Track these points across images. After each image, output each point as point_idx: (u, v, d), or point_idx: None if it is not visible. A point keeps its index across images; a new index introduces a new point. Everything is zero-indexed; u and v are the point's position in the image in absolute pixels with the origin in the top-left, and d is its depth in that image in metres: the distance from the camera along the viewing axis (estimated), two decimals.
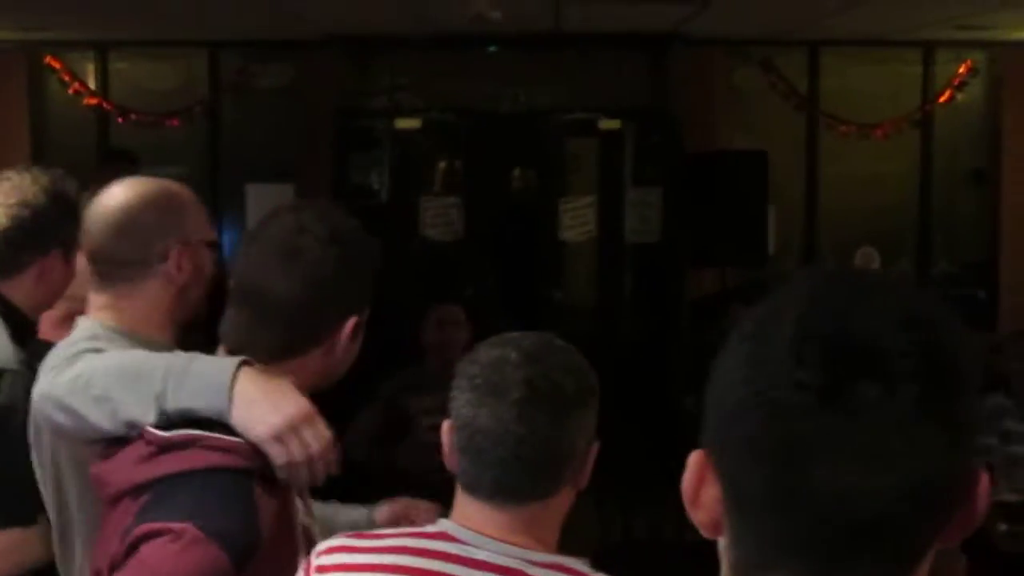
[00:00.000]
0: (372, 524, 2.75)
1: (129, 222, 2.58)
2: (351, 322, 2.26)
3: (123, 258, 2.59)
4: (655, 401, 8.75)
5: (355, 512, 2.81)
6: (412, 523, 2.72)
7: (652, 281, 9.65)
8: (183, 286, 2.62)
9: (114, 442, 2.27)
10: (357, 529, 2.74)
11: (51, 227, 2.97)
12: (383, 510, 2.80)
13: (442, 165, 9.83)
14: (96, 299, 2.63)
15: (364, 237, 2.33)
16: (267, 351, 2.24)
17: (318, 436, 2.16)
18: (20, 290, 3.04)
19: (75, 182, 3.06)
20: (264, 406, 2.14)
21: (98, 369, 2.32)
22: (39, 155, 9.14)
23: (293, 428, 2.13)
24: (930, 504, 1.04)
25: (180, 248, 2.59)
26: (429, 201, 9.40)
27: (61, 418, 2.35)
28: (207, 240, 2.69)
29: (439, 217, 9.29)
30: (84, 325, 2.58)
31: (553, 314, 9.46)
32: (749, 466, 1.05)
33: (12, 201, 3.01)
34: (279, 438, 2.12)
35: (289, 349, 2.25)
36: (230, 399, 2.13)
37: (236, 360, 2.18)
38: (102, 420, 2.25)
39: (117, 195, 2.62)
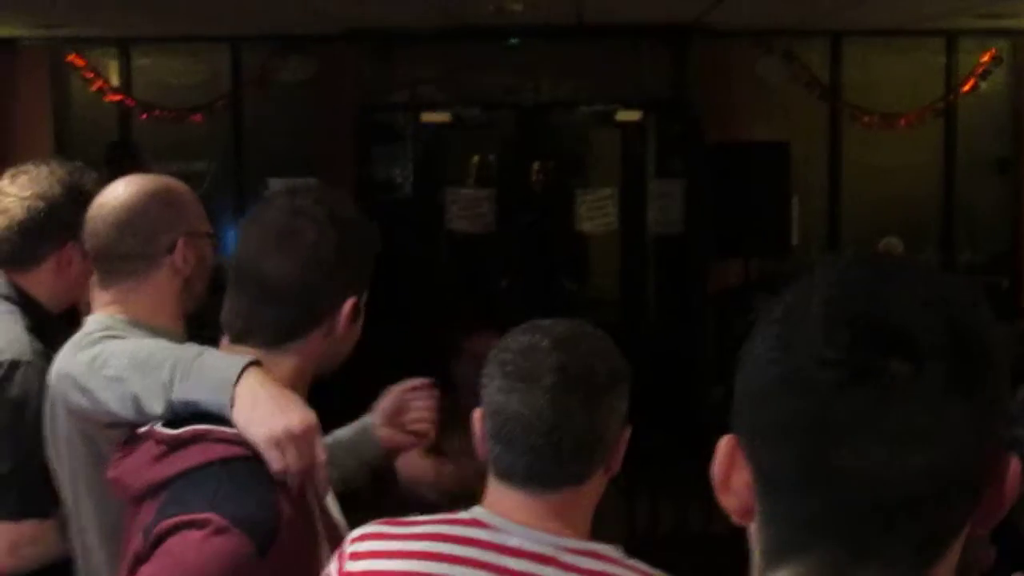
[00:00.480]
0: (373, 429, 2.79)
1: (134, 217, 2.62)
2: (350, 303, 2.25)
3: (129, 252, 2.62)
4: (680, 393, 8.74)
5: (356, 425, 2.83)
6: (410, 411, 2.76)
7: (675, 273, 9.64)
8: (188, 277, 2.65)
9: (127, 442, 2.28)
10: (361, 441, 2.77)
11: (67, 220, 2.97)
12: (378, 412, 2.80)
13: (475, 158, 9.83)
14: (101, 295, 2.65)
15: (361, 219, 2.33)
16: (268, 335, 2.23)
17: (312, 454, 2.16)
18: (38, 283, 3.05)
19: (94, 175, 3.07)
20: (268, 409, 2.13)
21: (115, 352, 2.34)
22: (62, 152, 9.17)
23: (292, 438, 2.12)
24: (959, 483, 1.04)
25: (185, 240, 2.63)
26: (456, 193, 9.40)
27: (77, 397, 2.37)
28: (206, 232, 2.72)
29: (467, 209, 9.30)
30: (96, 319, 2.60)
31: (576, 306, 9.47)
32: (779, 448, 1.06)
33: (27, 193, 3.02)
34: (277, 443, 2.11)
35: (289, 332, 2.24)
36: (232, 396, 2.14)
37: (245, 359, 2.18)
38: (113, 402, 2.27)
39: (119, 192, 2.65)
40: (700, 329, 9.22)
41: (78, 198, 2.94)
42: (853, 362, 1.02)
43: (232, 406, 2.13)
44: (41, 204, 3.01)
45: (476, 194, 9.45)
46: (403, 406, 2.79)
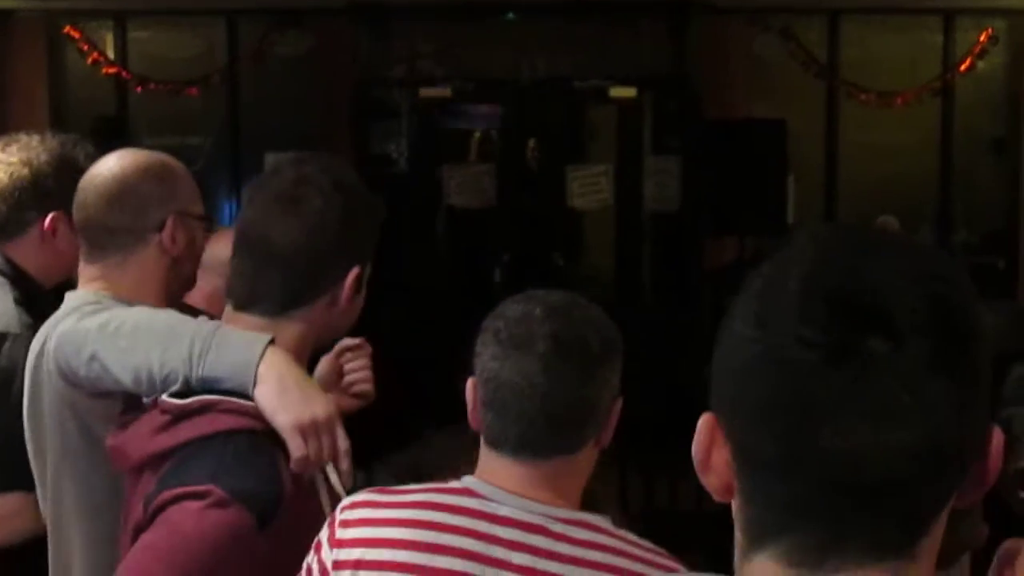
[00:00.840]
0: None
1: (125, 190, 2.59)
2: (354, 272, 2.26)
3: (117, 226, 2.59)
4: (674, 370, 8.75)
5: None
6: (347, 373, 2.70)
7: (671, 249, 9.65)
8: (176, 258, 2.62)
9: (127, 411, 2.28)
10: None
11: (51, 188, 2.95)
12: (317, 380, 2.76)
13: (476, 133, 9.82)
14: (87, 270, 2.63)
15: (366, 189, 2.34)
16: (273, 302, 2.23)
17: (336, 444, 2.16)
18: (26, 253, 3.03)
19: (89, 148, 3.05)
20: (296, 396, 2.13)
21: (126, 321, 2.32)
22: (58, 124, 9.15)
23: (316, 427, 2.12)
24: (942, 461, 1.03)
25: (175, 218, 2.61)
26: (454, 169, 9.40)
27: (80, 363, 2.34)
28: (199, 215, 2.70)
29: (467, 185, 9.30)
30: (79, 294, 2.58)
31: (572, 282, 9.46)
32: (758, 427, 1.05)
33: (14, 160, 3.01)
34: (302, 431, 2.11)
35: (293, 299, 2.24)
36: (255, 376, 2.14)
37: (264, 337, 2.18)
38: (125, 372, 2.24)
39: (111, 165, 2.63)
40: (696, 306, 9.23)
41: (66, 168, 2.93)
42: (830, 340, 1.00)
43: (255, 386, 2.14)
44: (25, 171, 3.00)
45: (476, 169, 9.45)
46: (340, 370, 2.73)
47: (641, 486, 7.22)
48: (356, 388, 2.72)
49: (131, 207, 2.59)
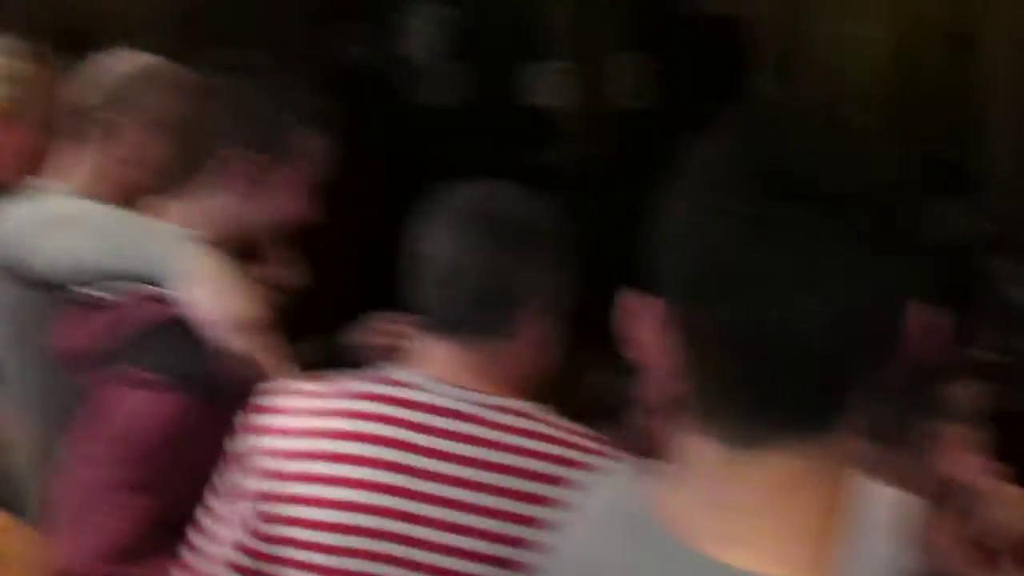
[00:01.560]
0: None
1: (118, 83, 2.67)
2: (235, 154, 2.29)
3: (93, 114, 2.66)
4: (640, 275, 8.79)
5: None
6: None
7: (640, 148, 9.62)
8: (124, 160, 2.66)
9: (67, 309, 2.30)
10: None
11: None
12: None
13: (438, 32, 9.71)
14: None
15: (285, 78, 2.37)
16: (172, 174, 2.30)
17: (273, 347, 2.17)
18: None
19: (29, 50, 3.01)
20: (226, 294, 2.15)
21: (60, 212, 2.39)
22: None
23: (250, 326, 2.15)
24: (859, 332, 1.03)
25: (130, 125, 2.66)
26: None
27: (22, 253, 2.39)
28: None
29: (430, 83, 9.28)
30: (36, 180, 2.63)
31: (535, 179, 9.43)
32: (686, 301, 1.06)
33: None
34: (237, 329, 2.14)
35: (180, 172, 2.30)
36: (184, 272, 2.15)
37: (189, 232, 2.22)
38: (48, 263, 2.30)
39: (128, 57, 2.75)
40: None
41: None
42: (749, 211, 1.01)
43: (184, 282, 2.15)
44: None
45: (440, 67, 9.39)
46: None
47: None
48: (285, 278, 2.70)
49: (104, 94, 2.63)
